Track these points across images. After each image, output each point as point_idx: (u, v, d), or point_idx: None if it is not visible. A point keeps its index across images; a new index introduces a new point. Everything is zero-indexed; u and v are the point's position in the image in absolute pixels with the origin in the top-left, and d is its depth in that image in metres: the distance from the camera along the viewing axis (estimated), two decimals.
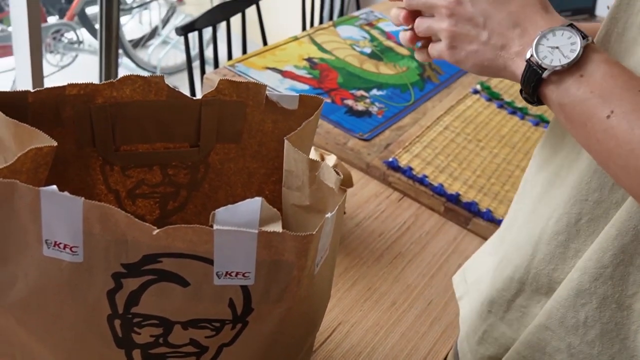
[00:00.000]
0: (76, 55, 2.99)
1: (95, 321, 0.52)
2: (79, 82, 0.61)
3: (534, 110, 1.54)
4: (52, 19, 3.03)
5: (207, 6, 3.39)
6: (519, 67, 0.52)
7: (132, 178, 0.70)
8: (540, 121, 1.49)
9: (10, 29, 2.68)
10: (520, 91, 0.54)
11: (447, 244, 1.06)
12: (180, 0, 3.38)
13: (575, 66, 0.49)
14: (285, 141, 0.59)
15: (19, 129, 0.53)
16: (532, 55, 0.50)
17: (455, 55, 0.58)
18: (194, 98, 0.66)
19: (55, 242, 0.48)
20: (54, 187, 0.46)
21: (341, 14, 2.51)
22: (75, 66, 2.98)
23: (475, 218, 1.10)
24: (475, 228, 1.10)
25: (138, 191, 0.72)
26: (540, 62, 0.50)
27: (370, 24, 1.79)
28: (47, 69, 2.10)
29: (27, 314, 0.53)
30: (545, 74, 0.50)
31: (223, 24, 1.89)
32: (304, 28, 2.30)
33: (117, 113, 0.65)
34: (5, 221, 0.49)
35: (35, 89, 0.59)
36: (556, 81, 0.50)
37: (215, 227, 0.46)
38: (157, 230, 0.46)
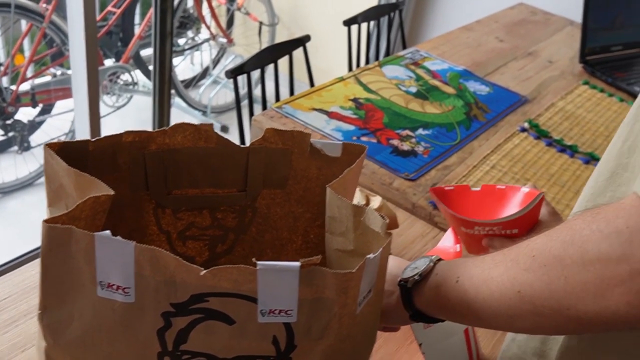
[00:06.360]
0: (131, 96, 3.10)
1: (146, 358, 0.54)
2: (134, 130, 0.64)
3: (584, 147, 1.52)
4: (109, 62, 3.15)
5: (256, 47, 3.49)
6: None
7: (182, 220, 0.73)
8: (591, 159, 1.47)
9: (69, 72, 2.80)
10: (413, 318, 0.65)
11: None
12: (230, 41, 3.47)
13: (428, 274, 0.63)
14: (328, 189, 0.61)
15: (79, 178, 0.57)
16: (401, 279, 0.65)
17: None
18: (242, 146, 0.69)
19: (109, 283, 0.51)
20: (108, 232, 0.49)
21: (387, 53, 2.54)
22: (130, 106, 3.08)
23: None
24: None
25: (188, 233, 0.74)
26: (406, 278, 0.64)
27: (416, 63, 1.81)
28: (103, 109, 2.19)
29: (82, 352, 0.55)
30: (409, 284, 0.64)
31: (271, 64, 1.94)
32: (350, 68, 2.34)
33: (169, 159, 0.68)
34: (63, 264, 0.52)
35: (95, 138, 0.62)
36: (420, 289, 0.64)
37: (258, 265, 0.48)
38: (204, 271, 0.49)
